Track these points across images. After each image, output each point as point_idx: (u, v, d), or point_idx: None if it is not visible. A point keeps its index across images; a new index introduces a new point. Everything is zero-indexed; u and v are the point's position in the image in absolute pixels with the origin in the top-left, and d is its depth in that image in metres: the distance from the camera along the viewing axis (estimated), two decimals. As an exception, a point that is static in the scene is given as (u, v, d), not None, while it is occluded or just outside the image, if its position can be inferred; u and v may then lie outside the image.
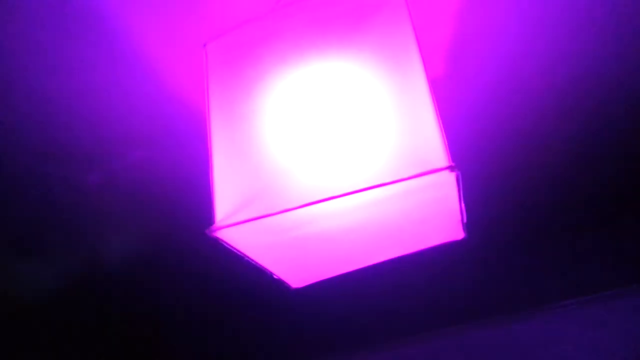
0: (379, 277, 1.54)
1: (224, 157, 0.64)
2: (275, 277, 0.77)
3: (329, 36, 0.65)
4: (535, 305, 1.84)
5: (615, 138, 1.04)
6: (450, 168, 0.53)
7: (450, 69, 0.83)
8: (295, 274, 0.77)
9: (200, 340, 1.85)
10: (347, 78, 0.62)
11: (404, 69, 0.61)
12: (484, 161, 1.07)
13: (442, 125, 0.56)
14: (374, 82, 0.61)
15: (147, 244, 1.23)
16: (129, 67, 0.75)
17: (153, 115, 0.84)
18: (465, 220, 0.70)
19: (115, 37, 0.72)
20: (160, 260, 1.30)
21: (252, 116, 0.64)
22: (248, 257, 0.66)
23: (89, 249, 1.26)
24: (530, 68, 0.86)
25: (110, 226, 1.16)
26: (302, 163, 0.60)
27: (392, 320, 1.75)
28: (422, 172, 0.53)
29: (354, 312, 1.74)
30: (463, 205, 0.65)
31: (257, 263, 0.69)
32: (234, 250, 0.64)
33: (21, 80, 0.76)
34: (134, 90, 0.79)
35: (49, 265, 1.31)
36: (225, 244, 0.62)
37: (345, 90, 0.62)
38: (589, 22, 0.80)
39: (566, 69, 0.86)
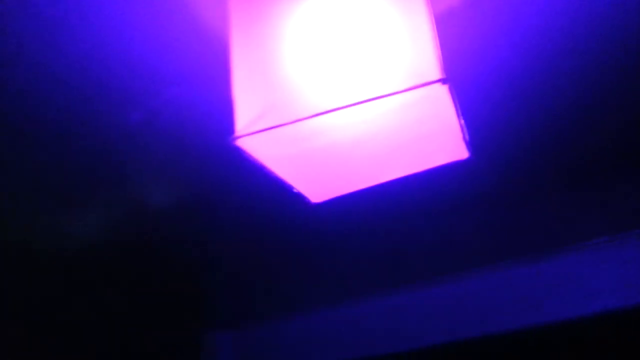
0: (397, 211, 1.60)
1: (244, 74, 0.71)
2: (295, 191, 0.85)
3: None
4: (565, 244, 1.87)
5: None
6: (443, 80, 0.59)
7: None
8: (313, 188, 0.86)
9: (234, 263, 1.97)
10: (354, 5, 0.68)
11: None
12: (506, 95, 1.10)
13: (438, 43, 0.62)
14: (379, 6, 0.67)
15: (186, 182, 1.33)
16: (158, 4, 0.83)
17: (183, 51, 0.92)
18: (467, 137, 0.77)
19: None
20: (196, 194, 1.40)
21: (270, 38, 0.71)
22: (268, 168, 0.75)
23: (133, 190, 1.36)
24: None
25: (152, 166, 1.26)
26: (314, 79, 0.67)
27: (415, 260, 1.82)
28: (415, 84, 0.59)
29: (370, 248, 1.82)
30: (462, 121, 0.71)
31: (277, 175, 0.78)
32: (255, 162, 0.72)
33: (65, 22, 0.84)
34: (164, 27, 0.87)
35: (93, 212, 1.43)
36: (246, 154, 0.70)
37: (353, 16, 0.68)
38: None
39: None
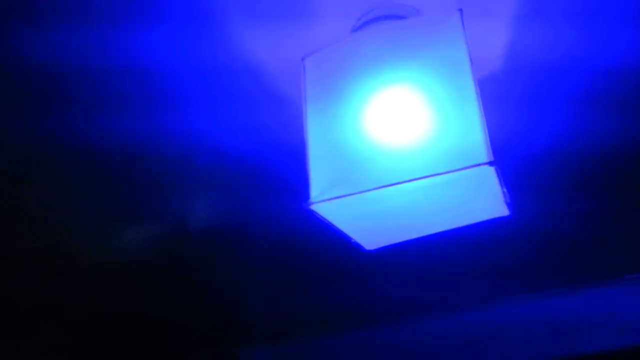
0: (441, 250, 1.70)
1: (317, 147, 0.84)
2: (352, 241, 0.97)
3: (398, 52, 0.83)
4: (598, 279, 1.93)
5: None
6: (490, 163, 0.70)
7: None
8: (370, 239, 0.97)
9: (279, 301, 2.08)
10: (412, 87, 0.80)
11: (457, 80, 0.78)
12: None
13: (486, 127, 0.73)
14: (434, 92, 0.79)
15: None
16: (243, 74, 0.98)
17: (260, 112, 1.06)
18: (509, 200, 0.87)
19: (234, 47, 0.94)
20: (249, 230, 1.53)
21: (339, 114, 0.84)
22: (334, 225, 0.87)
23: (187, 214, 1.49)
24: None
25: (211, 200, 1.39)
26: (379, 154, 0.79)
27: (451, 287, 1.91)
28: (467, 165, 0.70)
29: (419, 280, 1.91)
30: (504, 189, 0.82)
31: (340, 230, 0.90)
32: (323, 220, 0.84)
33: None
34: (246, 93, 1.01)
35: (142, 230, 1.56)
36: (317, 215, 0.82)
37: (410, 97, 0.80)
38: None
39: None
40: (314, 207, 0.80)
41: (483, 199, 0.84)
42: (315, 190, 0.80)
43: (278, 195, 1.29)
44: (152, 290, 1.91)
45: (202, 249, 1.66)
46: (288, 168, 1.22)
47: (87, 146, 1.21)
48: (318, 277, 1.80)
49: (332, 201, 0.79)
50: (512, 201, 0.90)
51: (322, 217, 0.83)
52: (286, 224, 1.41)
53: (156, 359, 2.23)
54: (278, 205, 1.33)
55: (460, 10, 0.81)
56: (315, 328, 2.31)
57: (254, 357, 2.51)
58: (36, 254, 1.58)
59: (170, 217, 1.50)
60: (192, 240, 1.61)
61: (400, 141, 0.79)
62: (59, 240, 1.54)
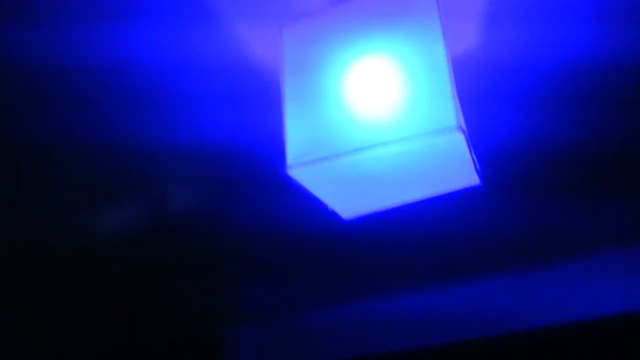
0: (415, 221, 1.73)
1: (295, 116, 0.86)
2: (330, 209, 1.00)
3: (374, 24, 0.85)
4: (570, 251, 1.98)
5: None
6: (459, 128, 0.74)
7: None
8: (346, 207, 1.00)
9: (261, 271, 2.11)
10: (387, 57, 0.83)
11: (429, 50, 0.81)
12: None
13: (456, 96, 0.77)
14: (408, 61, 0.82)
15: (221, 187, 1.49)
16: (221, 44, 0.99)
17: (236, 82, 1.08)
18: (478, 168, 0.91)
19: (213, 20, 0.96)
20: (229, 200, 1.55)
21: (316, 83, 0.86)
22: (310, 191, 0.89)
23: (166, 194, 1.51)
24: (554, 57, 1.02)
25: (191, 175, 1.41)
26: (355, 119, 0.82)
27: (427, 264, 1.95)
28: (436, 129, 0.74)
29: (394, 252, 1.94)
30: (474, 155, 0.85)
31: (317, 196, 0.93)
32: (300, 186, 0.87)
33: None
34: (223, 62, 1.03)
35: (121, 212, 1.58)
36: (293, 181, 0.85)
37: (385, 66, 0.83)
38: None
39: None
40: (291, 172, 0.83)
41: (454, 166, 0.88)
42: (292, 155, 0.83)
43: (254, 165, 1.32)
44: (132, 273, 1.93)
45: (182, 232, 1.69)
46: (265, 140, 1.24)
47: (76, 143, 1.23)
48: (297, 252, 1.84)
49: (308, 166, 0.81)
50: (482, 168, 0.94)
51: (299, 183, 0.86)
52: (266, 204, 1.45)
53: (138, 340, 2.26)
54: (256, 175, 1.35)
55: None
56: (300, 305, 2.35)
57: (237, 338, 2.54)
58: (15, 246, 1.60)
59: (153, 202, 1.52)
60: (173, 224, 1.64)
61: (376, 109, 0.81)
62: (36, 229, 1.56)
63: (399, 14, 0.84)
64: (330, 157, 0.80)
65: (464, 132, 0.75)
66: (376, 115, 0.81)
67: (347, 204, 1.00)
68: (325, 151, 0.81)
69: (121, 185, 1.43)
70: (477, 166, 0.90)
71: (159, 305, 2.15)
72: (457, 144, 0.77)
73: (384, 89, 0.82)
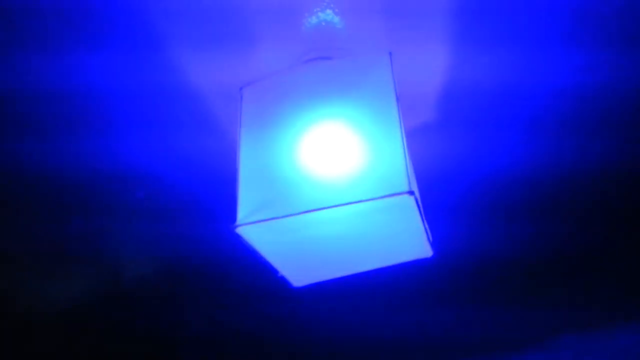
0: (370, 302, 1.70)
1: (248, 173, 0.85)
2: (279, 275, 0.97)
3: (332, 90, 0.87)
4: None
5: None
6: (410, 192, 0.73)
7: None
8: (296, 274, 0.97)
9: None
10: (343, 122, 0.84)
11: (385, 118, 0.82)
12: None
13: (409, 161, 0.77)
14: (363, 127, 0.82)
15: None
16: (181, 101, 0.99)
17: (196, 140, 1.07)
18: (430, 238, 0.90)
19: (173, 73, 0.97)
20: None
21: (272, 144, 0.86)
22: (260, 253, 0.86)
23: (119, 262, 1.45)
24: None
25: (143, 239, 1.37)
26: (307, 182, 0.81)
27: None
28: (388, 194, 0.73)
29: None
30: (426, 224, 0.85)
31: (267, 260, 0.89)
32: (249, 247, 0.84)
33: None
34: (182, 119, 1.03)
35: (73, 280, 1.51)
36: (243, 240, 0.82)
37: (341, 131, 0.83)
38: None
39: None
40: (239, 230, 0.80)
41: (406, 234, 0.86)
42: (243, 212, 0.81)
43: (207, 223, 1.28)
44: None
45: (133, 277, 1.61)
46: (217, 196, 1.22)
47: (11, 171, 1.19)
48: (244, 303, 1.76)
49: (258, 224, 0.79)
50: (435, 241, 0.93)
51: (248, 243, 0.83)
52: (216, 251, 1.39)
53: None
54: (207, 232, 1.31)
55: (390, 53, 0.87)
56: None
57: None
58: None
59: (100, 250, 1.46)
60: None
61: (330, 172, 0.81)
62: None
63: (356, 80, 0.86)
64: (281, 217, 0.78)
65: (415, 199, 0.74)
66: (331, 179, 0.80)
67: (297, 271, 0.97)
68: (275, 211, 0.79)
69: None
70: (430, 237, 0.89)
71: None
72: (409, 209, 0.77)
73: (339, 153, 0.82)
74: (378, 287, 1.58)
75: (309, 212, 0.77)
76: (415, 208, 0.76)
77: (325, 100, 0.86)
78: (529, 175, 1.18)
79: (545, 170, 1.16)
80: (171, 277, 1.56)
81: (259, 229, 0.80)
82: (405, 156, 0.77)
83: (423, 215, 0.82)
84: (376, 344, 1.88)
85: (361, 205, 0.76)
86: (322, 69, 0.90)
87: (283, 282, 1.00)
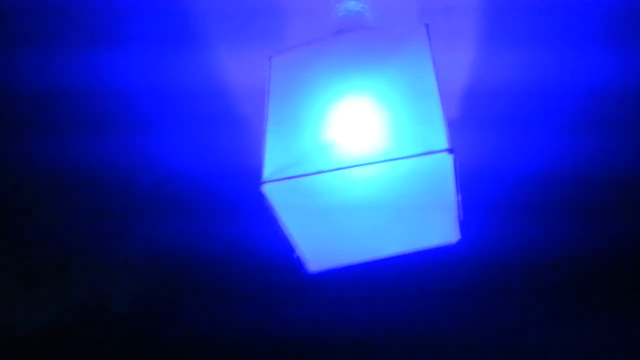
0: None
1: (275, 139, 0.82)
2: (295, 256, 0.91)
3: (365, 59, 0.85)
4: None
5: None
6: (450, 150, 0.70)
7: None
8: (314, 254, 0.92)
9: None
10: (377, 90, 0.82)
11: (422, 87, 0.80)
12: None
13: (446, 122, 0.74)
14: (398, 93, 0.80)
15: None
16: (211, 71, 0.97)
17: (225, 109, 1.05)
18: (462, 217, 0.86)
19: (204, 48, 0.95)
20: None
21: (301, 110, 0.83)
22: (282, 220, 0.82)
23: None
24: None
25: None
26: (335, 144, 0.78)
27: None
28: (426, 151, 0.70)
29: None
30: (460, 197, 0.81)
31: (286, 231, 0.85)
32: (272, 210, 0.80)
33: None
34: (212, 88, 1.00)
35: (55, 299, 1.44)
36: (266, 201, 0.78)
37: (375, 99, 0.81)
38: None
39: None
40: (264, 188, 0.76)
41: (437, 209, 0.83)
42: (268, 170, 0.77)
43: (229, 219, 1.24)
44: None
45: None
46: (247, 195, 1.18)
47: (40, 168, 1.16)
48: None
49: (285, 182, 0.75)
50: (465, 222, 0.89)
51: (270, 204, 0.78)
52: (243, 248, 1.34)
53: None
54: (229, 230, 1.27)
55: (426, 25, 0.85)
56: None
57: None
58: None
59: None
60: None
61: (362, 136, 0.78)
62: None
63: (391, 49, 0.84)
64: (309, 175, 0.75)
65: (454, 158, 0.71)
66: (361, 140, 0.77)
67: (315, 249, 0.91)
68: (304, 169, 0.76)
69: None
70: (461, 215, 0.85)
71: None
72: (446, 171, 0.73)
73: (372, 119, 0.79)
74: (397, 290, 1.51)
75: (338, 170, 0.74)
76: (452, 170, 0.73)
77: (359, 69, 0.84)
78: (566, 175, 1.15)
79: (582, 169, 1.13)
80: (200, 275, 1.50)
81: (285, 188, 0.76)
82: (444, 118, 0.74)
83: (459, 185, 0.78)
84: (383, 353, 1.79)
85: (395, 164, 0.73)
86: (355, 38, 0.88)
87: (290, 276, 0.95)
